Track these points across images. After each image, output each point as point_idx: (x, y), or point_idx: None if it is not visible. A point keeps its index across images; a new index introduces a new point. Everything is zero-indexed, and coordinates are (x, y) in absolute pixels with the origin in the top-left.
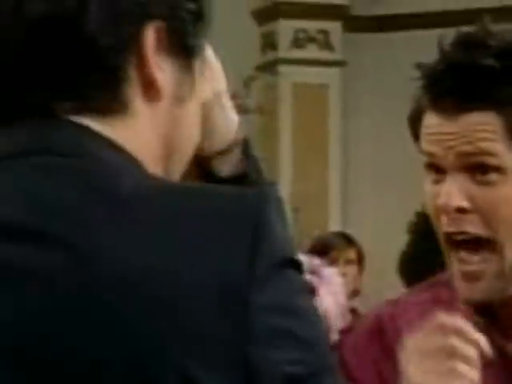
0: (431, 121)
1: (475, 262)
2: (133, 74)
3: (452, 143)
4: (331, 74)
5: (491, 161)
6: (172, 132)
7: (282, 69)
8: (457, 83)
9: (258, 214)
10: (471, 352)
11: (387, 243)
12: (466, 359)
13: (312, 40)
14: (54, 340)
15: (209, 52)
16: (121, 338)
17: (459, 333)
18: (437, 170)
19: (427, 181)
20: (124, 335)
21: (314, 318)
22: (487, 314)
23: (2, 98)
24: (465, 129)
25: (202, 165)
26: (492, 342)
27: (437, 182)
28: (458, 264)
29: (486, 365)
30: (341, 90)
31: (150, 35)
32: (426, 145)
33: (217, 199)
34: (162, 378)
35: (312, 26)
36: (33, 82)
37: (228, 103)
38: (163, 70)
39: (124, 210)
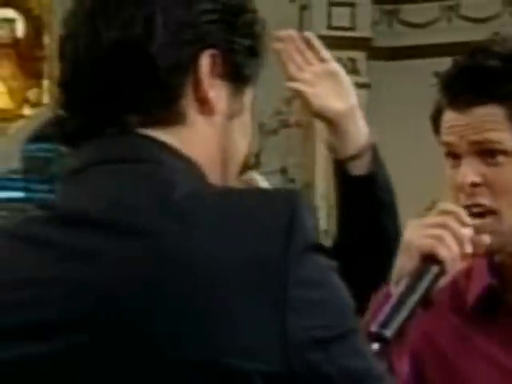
0: (448, 116)
1: (483, 223)
2: (189, 91)
3: (465, 133)
4: (358, 94)
5: (497, 146)
6: (226, 142)
7: None
8: (467, 83)
9: (292, 208)
10: (461, 230)
11: None
12: (455, 234)
13: (343, 66)
14: (124, 309)
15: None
16: (178, 310)
17: (455, 215)
18: (454, 156)
19: (447, 167)
20: (184, 308)
21: (338, 289)
22: (500, 278)
23: (90, 110)
24: (475, 120)
25: (338, 166)
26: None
27: (454, 166)
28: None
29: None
30: (366, 107)
31: (205, 61)
32: (444, 136)
33: (257, 197)
34: (219, 342)
35: (342, 55)
36: (106, 98)
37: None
38: (216, 90)
39: (181, 207)
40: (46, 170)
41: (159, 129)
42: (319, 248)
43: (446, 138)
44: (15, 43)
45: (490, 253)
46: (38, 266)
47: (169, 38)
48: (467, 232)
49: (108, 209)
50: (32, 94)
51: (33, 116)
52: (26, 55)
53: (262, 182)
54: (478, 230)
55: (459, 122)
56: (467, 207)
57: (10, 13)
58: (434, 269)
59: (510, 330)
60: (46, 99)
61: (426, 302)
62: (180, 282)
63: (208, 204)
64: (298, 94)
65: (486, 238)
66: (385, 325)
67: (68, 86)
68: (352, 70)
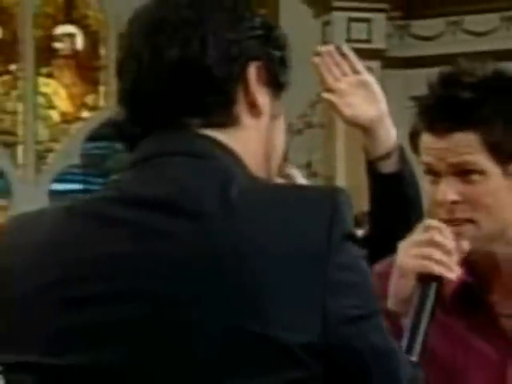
0: (426, 139)
1: (461, 230)
2: (241, 97)
3: (443, 156)
4: None
5: (473, 167)
6: (269, 140)
7: None
8: (443, 112)
9: (334, 202)
10: (447, 242)
11: None
12: (442, 248)
13: None
14: (176, 283)
15: (374, 83)
16: (233, 286)
17: (439, 229)
18: (434, 174)
19: (426, 181)
20: (235, 284)
21: (367, 275)
22: (475, 275)
23: (153, 115)
24: (452, 145)
25: (370, 165)
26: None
27: (433, 182)
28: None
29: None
30: None
31: (252, 71)
32: (424, 157)
33: (303, 192)
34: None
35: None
36: (171, 104)
37: (388, 120)
38: (262, 96)
39: (232, 197)
40: (101, 165)
41: (216, 130)
42: (354, 238)
43: (426, 158)
44: (75, 55)
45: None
46: (113, 242)
47: (220, 53)
48: (452, 243)
49: (171, 193)
50: (89, 98)
51: (90, 118)
52: (84, 65)
53: (299, 177)
54: (457, 237)
55: (437, 146)
56: (448, 220)
57: (70, 28)
58: (433, 285)
59: (483, 319)
60: (101, 103)
61: (434, 313)
62: (233, 262)
63: (259, 195)
64: (331, 105)
65: (466, 244)
66: (409, 352)
67: (131, 94)
68: None
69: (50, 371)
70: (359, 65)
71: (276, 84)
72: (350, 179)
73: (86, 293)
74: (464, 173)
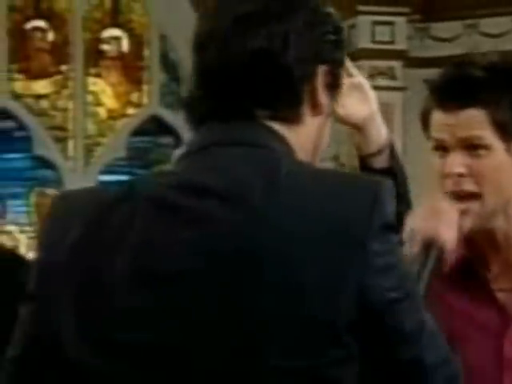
0: (438, 116)
1: (467, 205)
2: (307, 97)
3: (452, 131)
4: (396, 96)
5: (480, 142)
6: (321, 137)
7: None
8: (455, 90)
9: (376, 191)
10: (452, 216)
11: None
12: (448, 222)
13: (383, 73)
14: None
15: (367, 84)
16: (276, 269)
17: (447, 206)
18: (443, 149)
19: (435, 157)
20: (282, 267)
21: (402, 260)
22: (475, 250)
23: (223, 103)
24: (461, 121)
25: (362, 161)
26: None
27: (442, 156)
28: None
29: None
30: (402, 107)
31: (320, 73)
32: (435, 133)
33: (346, 180)
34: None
35: (383, 64)
36: (245, 93)
37: (379, 119)
38: (324, 97)
39: (281, 183)
40: (145, 158)
41: (280, 124)
42: (393, 226)
43: (436, 134)
44: (121, 56)
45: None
46: (171, 227)
47: (299, 53)
48: (456, 217)
49: (224, 182)
50: (134, 97)
51: (134, 115)
52: (129, 66)
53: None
54: (462, 213)
55: (447, 122)
56: (454, 192)
57: (116, 32)
58: (434, 252)
59: (481, 292)
60: (144, 101)
61: (434, 276)
62: (280, 243)
63: (305, 182)
64: None
65: (468, 222)
66: None
67: (209, 75)
68: (391, 76)
69: (118, 348)
70: (353, 69)
71: (336, 85)
72: None
73: (147, 274)
74: (471, 147)
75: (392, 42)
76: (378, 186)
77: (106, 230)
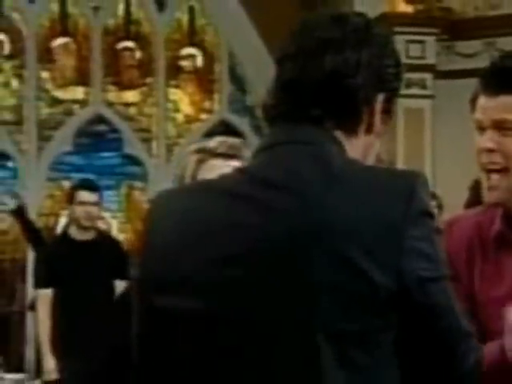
0: (481, 100)
1: (495, 179)
2: (365, 117)
3: (489, 113)
4: (426, 103)
5: (509, 125)
6: (368, 152)
7: (399, 101)
8: (495, 78)
9: (413, 181)
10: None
11: None
12: None
13: (416, 84)
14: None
15: None
16: (330, 248)
17: None
18: (480, 128)
19: (476, 135)
20: (335, 251)
21: (438, 245)
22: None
23: (295, 109)
24: (497, 104)
25: None
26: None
27: (480, 134)
28: (487, 182)
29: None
30: (431, 112)
31: (380, 99)
32: (476, 114)
33: (387, 173)
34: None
35: (416, 76)
36: (318, 105)
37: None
38: (379, 121)
39: (335, 176)
40: None
41: (341, 134)
42: (430, 214)
43: (476, 115)
44: (196, 71)
45: (500, 205)
46: (242, 214)
47: (366, 80)
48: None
49: (285, 175)
50: (206, 104)
51: (207, 119)
52: (203, 78)
53: None
54: (490, 188)
55: (487, 105)
56: (485, 166)
57: (192, 50)
58: None
59: None
60: (215, 108)
61: None
62: (334, 226)
63: (354, 175)
64: None
65: (495, 194)
66: None
67: (287, 85)
68: (422, 86)
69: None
70: None
71: (389, 112)
72: (408, 164)
73: (223, 253)
74: (502, 128)
75: (423, 58)
76: (414, 178)
77: (194, 216)
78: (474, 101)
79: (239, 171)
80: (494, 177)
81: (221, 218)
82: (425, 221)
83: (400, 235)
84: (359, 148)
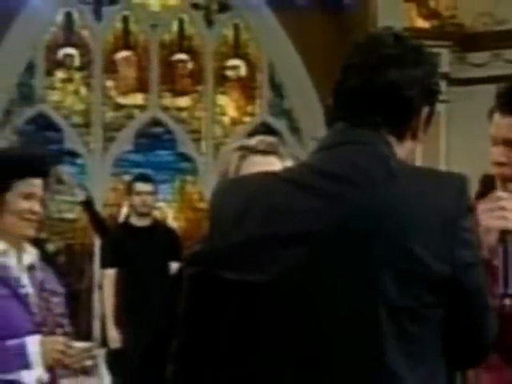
0: (495, 117)
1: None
2: (413, 126)
3: (501, 130)
4: (441, 107)
5: None
6: (410, 155)
7: None
8: (508, 98)
9: (462, 182)
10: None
11: None
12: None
13: None
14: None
15: None
16: (391, 234)
17: (507, 199)
18: (494, 143)
19: (490, 146)
20: (395, 234)
21: (473, 227)
22: None
23: (355, 114)
24: (509, 124)
25: None
26: None
27: (493, 147)
28: (500, 188)
29: None
30: (446, 115)
31: (425, 111)
32: (491, 129)
33: (437, 172)
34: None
35: None
36: (373, 110)
37: None
38: (422, 131)
39: (392, 174)
40: None
41: (394, 139)
42: (472, 209)
43: (492, 130)
44: (240, 79)
45: None
46: (308, 200)
47: (419, 93)
48: None
49: (348, 170)
50: (249, 108)
51: (249, 122)
52: (246, 86)
53: None
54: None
55: (500, 123)
56: (499, 176)
57: (237, 62)
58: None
59: None
60: (257, 111)
61: None
62: (390, 217)
63: (408, 172)
64: None
65: None
66: (505, 286)
67: (347, 96)
68: None
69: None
70: None
71: (429, 122)
72: (424, 162)
73: (291, 232)
74: (511, 144)
75: (438, 67)
76: (462, 177)
77: (260, 199)
78: (491, 114)
79: (302, 166)
80: (507, 185)
81: (286, 202)
82: (470, 214)
83: (454, 227)
84: (404, 152)
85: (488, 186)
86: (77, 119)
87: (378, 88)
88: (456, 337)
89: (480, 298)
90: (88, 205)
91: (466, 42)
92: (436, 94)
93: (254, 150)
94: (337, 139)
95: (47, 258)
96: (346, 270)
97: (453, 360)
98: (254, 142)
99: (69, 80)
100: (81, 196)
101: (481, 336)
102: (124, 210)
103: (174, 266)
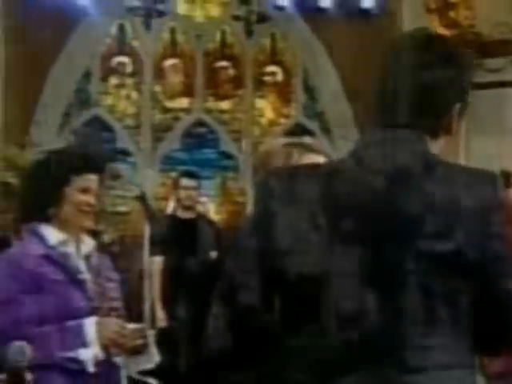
0: None
1: None
2: (446, 123)
3: None
4: None
5: None
6: (442, 150)
7: None
8: None
9: (494, 178)
10: None
11: None
12: None
13: None
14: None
15: None
16: (438, 221)
17: None
18: None
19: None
20: (440, 222)
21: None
22: None
23: (394, 114)
24: None
25: None
26: None
27: None
28: None
29: None
30: (465, 118)
31: (457, 108)
32: None
33: (471, 168)
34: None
35: None
36: (412, 111)
37: None
38: (455, 126)
39: (431, 169)
40: None
41: (428, 137)
42: (503, 205)
43: None
44: (276, 84)
45: None
46: (349, 191)
47: (451, 94)
48: None
49: (391, 165)
50: (285, 110)
51: (285, 123)
52: (282, 90)
53: None
54: None
55: None
56: None
57: (274, 68)
58: None
59: None
60: (292, 113)
61: None
62: (431, 207)
63: (444, 168)
64: None
65: None
66: None
67: (387, 98)
68: None
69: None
70: None
71: (461, 118)
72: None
73: (336, 218)
74: None
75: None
76: (495, 175)
77: (307, 190)
78: None
79: (345, 161)
80: None
81: (332, 193)
82: (501, 209)
83: (489, 219)
84: (437, 148)
85: (505, 181)
86: (128, 121)
87: (416, 90)
88: (483, 325)
89: (506, 287)
90: (142, 199)
91: (483, 49)
92: (468, 92)
93: (310, 149)
94: (377, 137)
95: (103, 248)
96: (386, 251)
97: (479, 347)
98: (309, 141)
99: (121, 86)
100: (136, 191)
101: (507, 325)
102: (171, 204)
103: (214, 254)
